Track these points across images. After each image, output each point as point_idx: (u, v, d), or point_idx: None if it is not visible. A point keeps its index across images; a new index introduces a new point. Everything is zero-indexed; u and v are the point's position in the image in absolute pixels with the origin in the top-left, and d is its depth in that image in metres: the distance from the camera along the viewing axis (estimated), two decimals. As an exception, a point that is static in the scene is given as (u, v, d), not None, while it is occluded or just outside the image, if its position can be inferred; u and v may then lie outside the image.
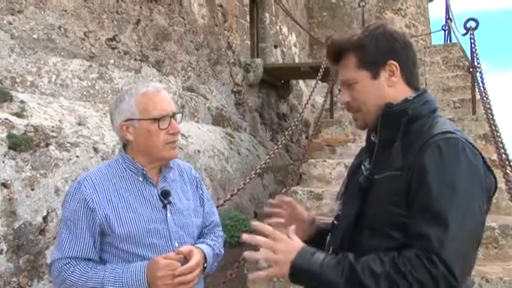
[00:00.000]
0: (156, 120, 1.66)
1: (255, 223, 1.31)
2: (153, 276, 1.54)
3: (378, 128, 1.40)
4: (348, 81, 1.43)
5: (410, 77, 1.41)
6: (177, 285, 1.56)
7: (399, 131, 1.35)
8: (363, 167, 1.45)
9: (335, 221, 1.49)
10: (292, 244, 1.28)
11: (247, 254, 1.29)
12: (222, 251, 1.89)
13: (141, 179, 1.69)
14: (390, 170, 1.32)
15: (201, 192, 1.88)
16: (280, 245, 1.27)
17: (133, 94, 1.69)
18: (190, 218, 1.77)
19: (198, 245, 1.72)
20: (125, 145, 1.76)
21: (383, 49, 1.39)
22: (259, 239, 1.28)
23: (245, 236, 1.27)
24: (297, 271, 1.25)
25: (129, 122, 1.68)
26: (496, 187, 1.34)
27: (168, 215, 1.69)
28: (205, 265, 1.70)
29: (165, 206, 1.69)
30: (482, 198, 1.26)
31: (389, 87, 1.40)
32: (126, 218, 1.62)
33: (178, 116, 1.74)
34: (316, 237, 1.58)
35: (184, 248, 1.63)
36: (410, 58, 1.42)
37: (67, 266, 1.61)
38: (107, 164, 1.77)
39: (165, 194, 1.70)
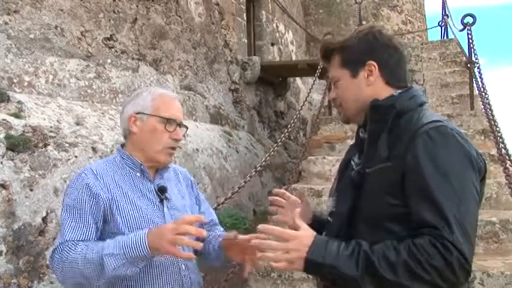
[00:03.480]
0: (165, 120, 1.71)
1: (262, 226, 1.31)
2: (158, 235, 1.47)
3: (368, 122, 1.44)
4: (333, 79, 1.53)
5: (391, 77, 1.46)
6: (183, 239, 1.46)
7: (387, 125, 1.38)
8: (352, 162, 1.49)
9: (329, 218, 1.52)
10: (303, 239, 1.27)
11: (260, 255, 1.31)
12: None
13: (138, 174, 1.72)
14: (380, 162, 1.34)
15: (196, 192, 1.92)
16: (291, 244, 1.26)
17: (152, 92, 1.78)
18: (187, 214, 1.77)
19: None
20: (123, 145, 1.80)
21: (363, 49, 1.46)
22: (269, 243, 1.28)
23: (255, 241, 1.30)
24: (311, 266, 1.25)
25: (139, 115, 1.73)
26: (485, 170, 1.38)
27: (165, 210, 1.71)
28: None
29: (161, 201, 1.72)
30: (476, 179, 1.30)
31: (368, 86, 1.46)
32: (125, 208, 1.64)
33: (183, 129, 1.79)
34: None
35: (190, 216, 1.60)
36: (392, 58, 1.47)
37: (68, 246, 1.57)
38: (105, 160, 1.82)
39: (161, 190, 1.73)
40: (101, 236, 1.62)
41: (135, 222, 1.63)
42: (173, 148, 1.75)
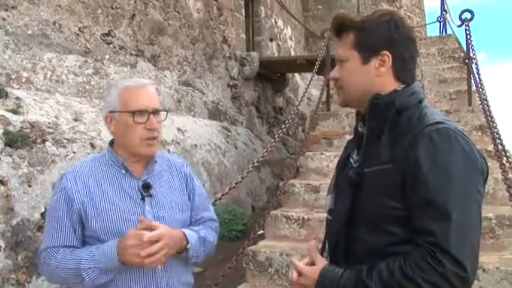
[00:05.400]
0: (133, 113, 1.68)
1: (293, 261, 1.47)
2: (123, 248, 1.56)
3: (367, 119, 1.39)
4: (340, 58, 1.45)
5: (401, 72, 1.40)
6: (145, 257, 1.54)
7: (387, 123, 1.34)
8: (351, 159, 1.45)
9: (329, 216, 1.49)
10: (311, 275, 1.36)
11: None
12: (214, 240, 1.87)
13: (123, 171, 1.72)
14: (380, 163, 1.31)
15: (191, 187, 1.86)
16: (304, 280, 1.38)
17: (118, 86, 1.75)
18: (173, 211, 1.75)
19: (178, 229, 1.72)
20: (113, 141, 1.80)
21: (381, 37, 1.38)
22: (293, 281, 1.42)
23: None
24: None
25: (111, 114, 1.73)
26: (488, 172, 1.34)
27: (147, 207, 1.69)
28: (188, 246, 1.69)
29: (143, 199, 1.70)
30: (480, 182, 1.27)
31: (377, 77, 1.39)
32: (102, 208, 1.65)
33: (162, 113, 1.75)
34: None
35: (148, 220, 1.64)
36: (408, 52, 1.41)
37: (50, 253, 1.65)
38: (93, 157, 1.82)
39: (145, 187, 1.71)
40: (83, 239, 1.68)
41: (112, 222, 1.65)
42: (152, 138, 1.71)
